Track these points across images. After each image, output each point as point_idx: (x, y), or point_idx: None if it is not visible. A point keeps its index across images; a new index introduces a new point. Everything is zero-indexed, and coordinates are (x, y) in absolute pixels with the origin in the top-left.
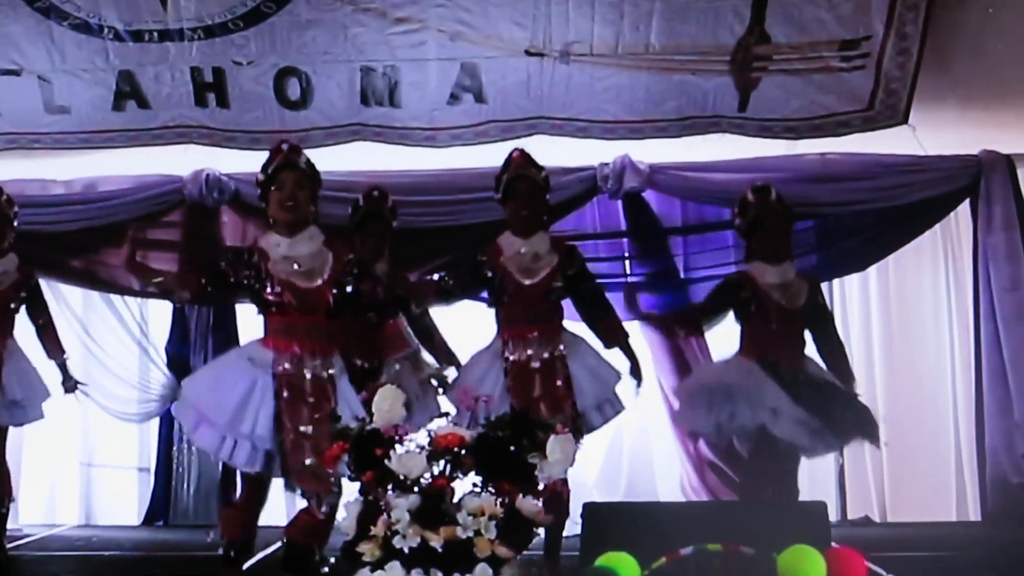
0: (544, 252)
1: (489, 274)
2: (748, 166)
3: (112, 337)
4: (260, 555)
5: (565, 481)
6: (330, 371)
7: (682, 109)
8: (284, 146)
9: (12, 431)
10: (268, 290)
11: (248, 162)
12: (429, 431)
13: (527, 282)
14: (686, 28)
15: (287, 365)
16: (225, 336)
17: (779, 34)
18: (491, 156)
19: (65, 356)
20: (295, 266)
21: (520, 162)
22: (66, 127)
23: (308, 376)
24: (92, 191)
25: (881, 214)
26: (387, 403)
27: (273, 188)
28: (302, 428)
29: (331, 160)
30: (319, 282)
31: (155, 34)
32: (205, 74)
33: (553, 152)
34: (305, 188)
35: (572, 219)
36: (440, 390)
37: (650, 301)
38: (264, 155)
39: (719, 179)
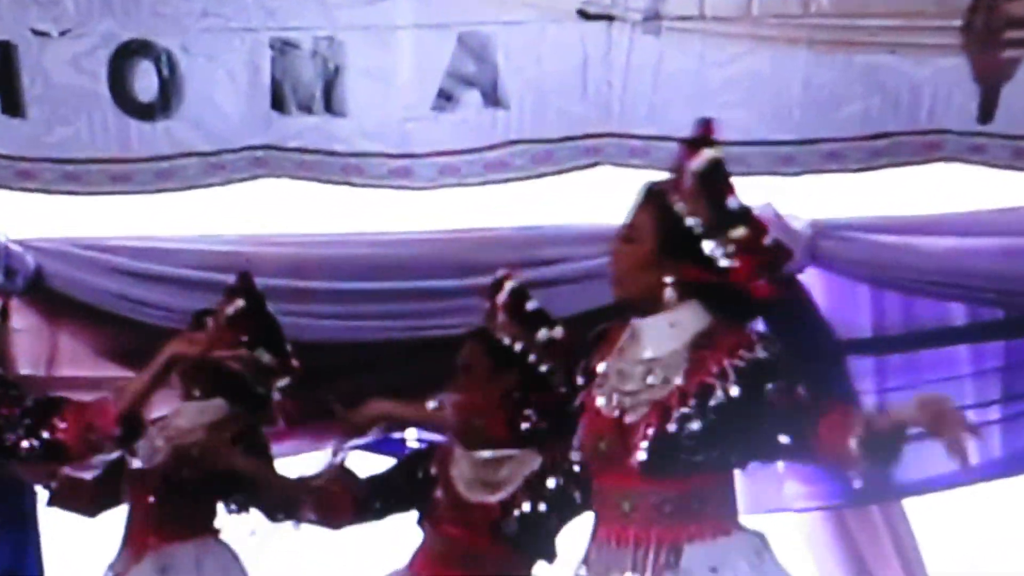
0: None
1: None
2: (991, 225)
3: None
4: None
5: None
6: None
7: (871, 118)
8: None
9: None
10: None
11: (62, 214)
12: None
13: None
14: None
15: None
16: None
17: None
18: (515, 205)
19: None
20: None
21: None
22: None
23: None
24: None
25: None
26: None
27: None
28: None
29: (219, 210)
30: None
31: None
32: None
33: (629, 196)
34: None
35: None
36: None
37: (813, 480)
38: (95, 202)
39: (940, 249)
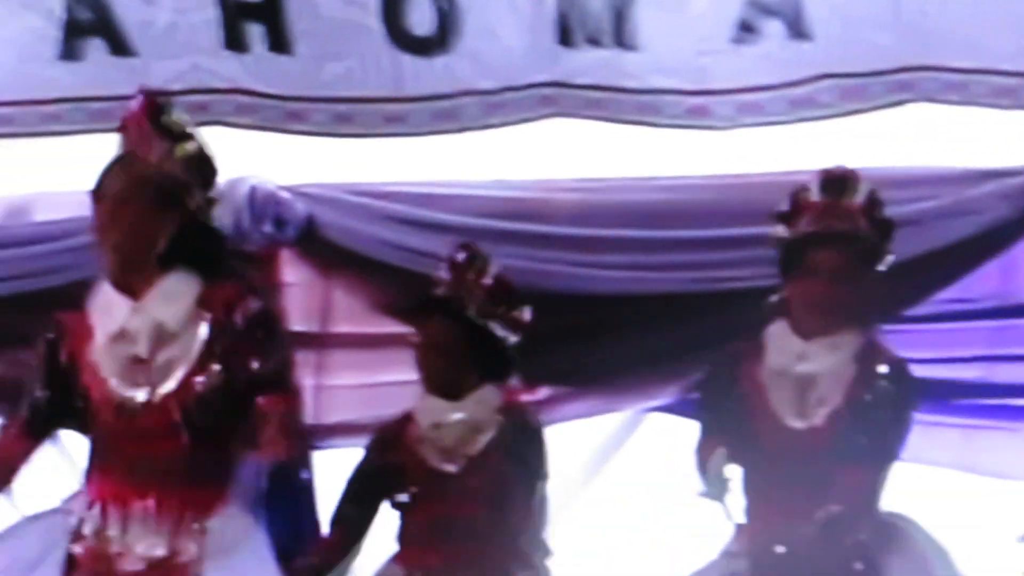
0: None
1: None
2: None
3: None
4: None
5: None
6: None
7: None
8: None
9: None
10: None
11: (334, 158)
12: None
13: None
14: None
15: None
16: None
17: None
18: (822, 145)
19: None
20: None
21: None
22: None
23: None
24: (16, 223)
25: None
26: None
27: None
28: None
29: (502, 152)
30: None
31: None
32: None
33: (944, 135)
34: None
35: (986, 280)
36: None
37: None
38: (368, 145)
39: None
